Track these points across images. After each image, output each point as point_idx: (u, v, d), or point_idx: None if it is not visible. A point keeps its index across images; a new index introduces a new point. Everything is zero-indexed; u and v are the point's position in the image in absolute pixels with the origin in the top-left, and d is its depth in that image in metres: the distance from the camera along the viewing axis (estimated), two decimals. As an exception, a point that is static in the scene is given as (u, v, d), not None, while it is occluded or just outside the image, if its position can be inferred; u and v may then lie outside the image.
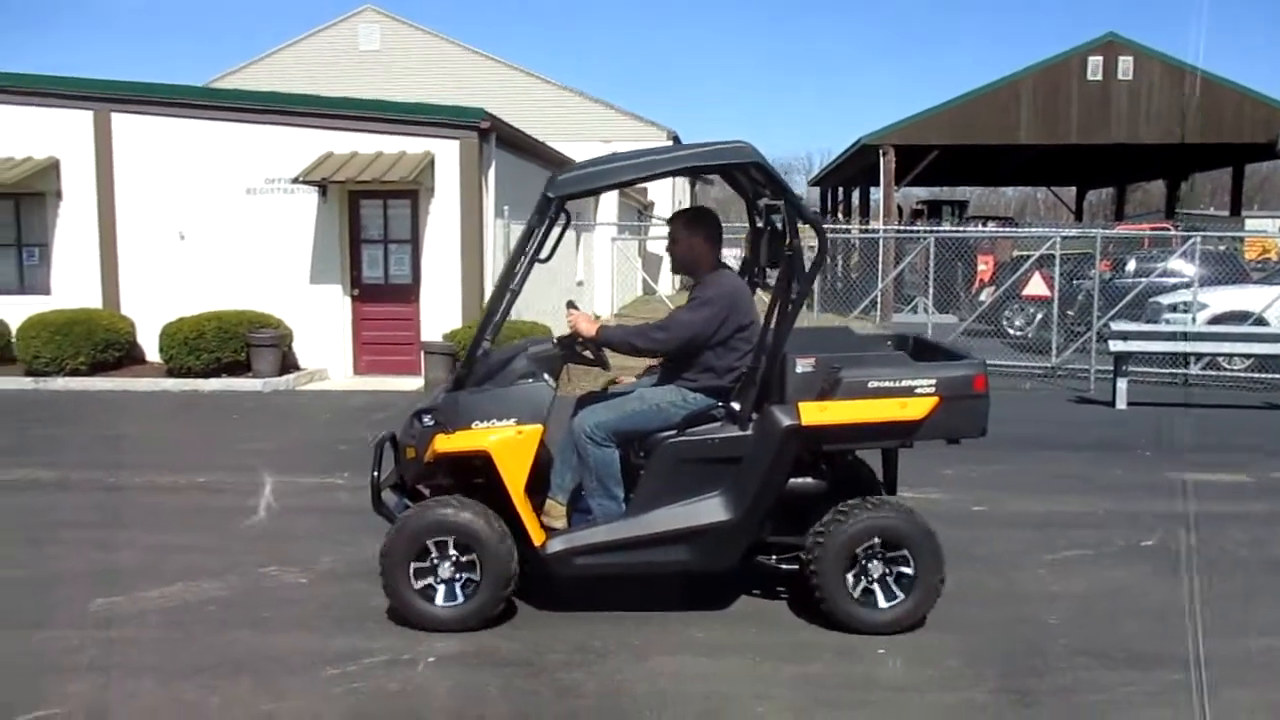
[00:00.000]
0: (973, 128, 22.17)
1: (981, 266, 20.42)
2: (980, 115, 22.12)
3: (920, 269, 18.74)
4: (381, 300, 13.67)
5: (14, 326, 13.05)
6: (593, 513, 4.80)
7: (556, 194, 4.57)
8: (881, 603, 4.68)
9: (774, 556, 4.89)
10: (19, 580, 5.55)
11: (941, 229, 19.93)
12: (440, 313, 13.30)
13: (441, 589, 4.70)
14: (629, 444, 4.83)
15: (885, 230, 20.37)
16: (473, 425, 4.67)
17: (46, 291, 13.90)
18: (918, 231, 19.02)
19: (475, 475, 4.83)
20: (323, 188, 13.19)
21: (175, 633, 4.75)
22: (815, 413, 4.54)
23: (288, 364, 13.15)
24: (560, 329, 5.53)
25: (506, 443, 4.63)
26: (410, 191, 13.33)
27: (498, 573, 4.61)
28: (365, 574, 5.41)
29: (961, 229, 21.39)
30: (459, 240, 13.35)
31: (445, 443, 4.69)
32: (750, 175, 5.01)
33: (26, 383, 12.53)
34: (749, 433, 4.64)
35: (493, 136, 13.68)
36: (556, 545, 4.68)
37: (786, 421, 4.54)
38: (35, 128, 13.78)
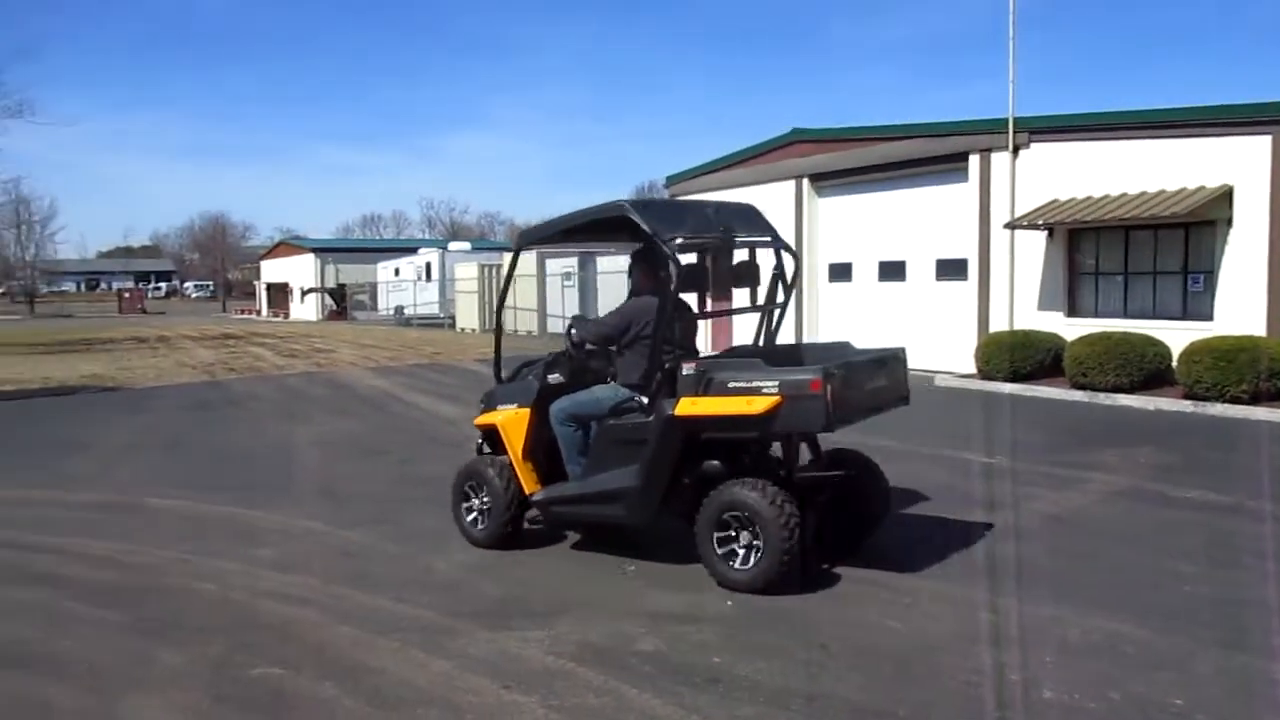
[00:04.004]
0: None
1: None
2: None
3: None
4: None
5: (1174, 351, 13.51)
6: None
7: (517, 244, 7.27)
8: (739, 564, 5.71)
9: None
10: (1214, 597, 5.74)
11: None
12: None
13: (477, 517, 6.79)
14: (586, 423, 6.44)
15: None
16: (498, 407, 6.76)
17: (1209, 317, 14.07)
18: None
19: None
20: None
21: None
22: (688, 406, 5.76)
23: None
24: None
25: (509, 419, 6.63)
26: None
27: (499, 506, 6.60)
28: None
29: None
30: None
31: (481, 419, 6.92)
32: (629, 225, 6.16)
33: (1185, 405, 12.83)
34: (650, 420, 5.95)
35: None
36: (540, 496, 6.49)
37: (668, 412, 5.81)
38: (1206, 157, 14.03)
